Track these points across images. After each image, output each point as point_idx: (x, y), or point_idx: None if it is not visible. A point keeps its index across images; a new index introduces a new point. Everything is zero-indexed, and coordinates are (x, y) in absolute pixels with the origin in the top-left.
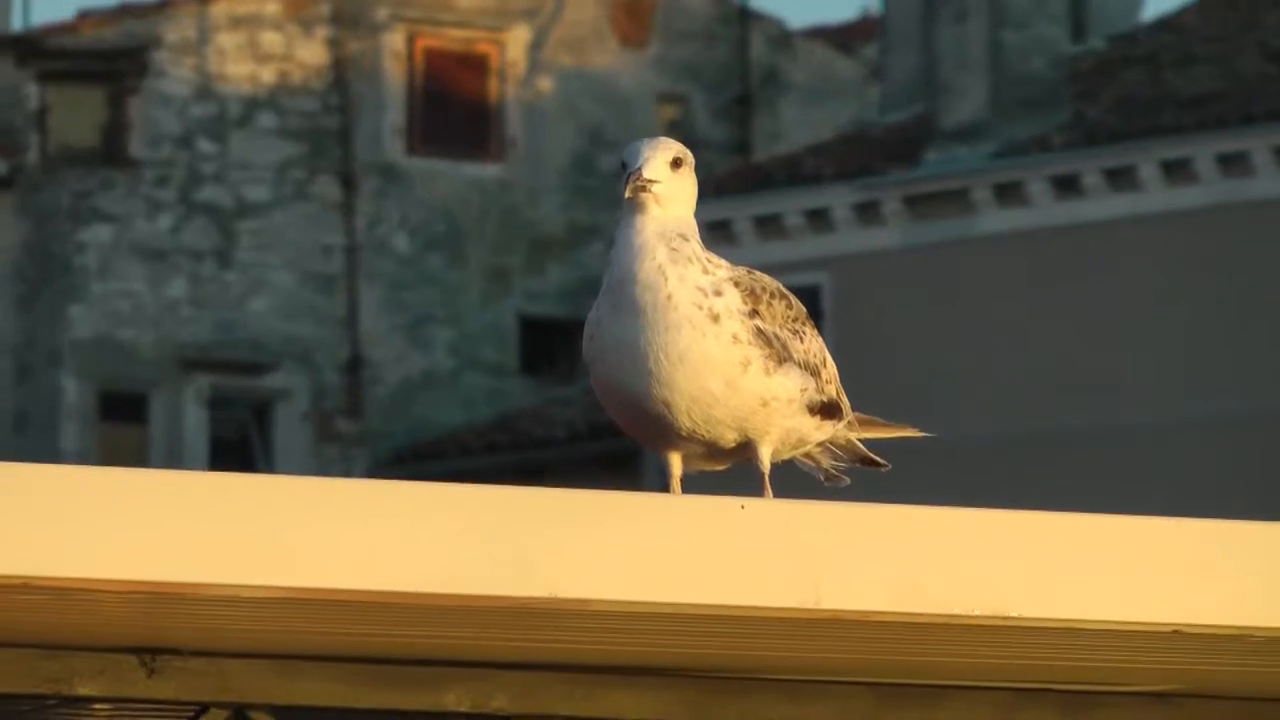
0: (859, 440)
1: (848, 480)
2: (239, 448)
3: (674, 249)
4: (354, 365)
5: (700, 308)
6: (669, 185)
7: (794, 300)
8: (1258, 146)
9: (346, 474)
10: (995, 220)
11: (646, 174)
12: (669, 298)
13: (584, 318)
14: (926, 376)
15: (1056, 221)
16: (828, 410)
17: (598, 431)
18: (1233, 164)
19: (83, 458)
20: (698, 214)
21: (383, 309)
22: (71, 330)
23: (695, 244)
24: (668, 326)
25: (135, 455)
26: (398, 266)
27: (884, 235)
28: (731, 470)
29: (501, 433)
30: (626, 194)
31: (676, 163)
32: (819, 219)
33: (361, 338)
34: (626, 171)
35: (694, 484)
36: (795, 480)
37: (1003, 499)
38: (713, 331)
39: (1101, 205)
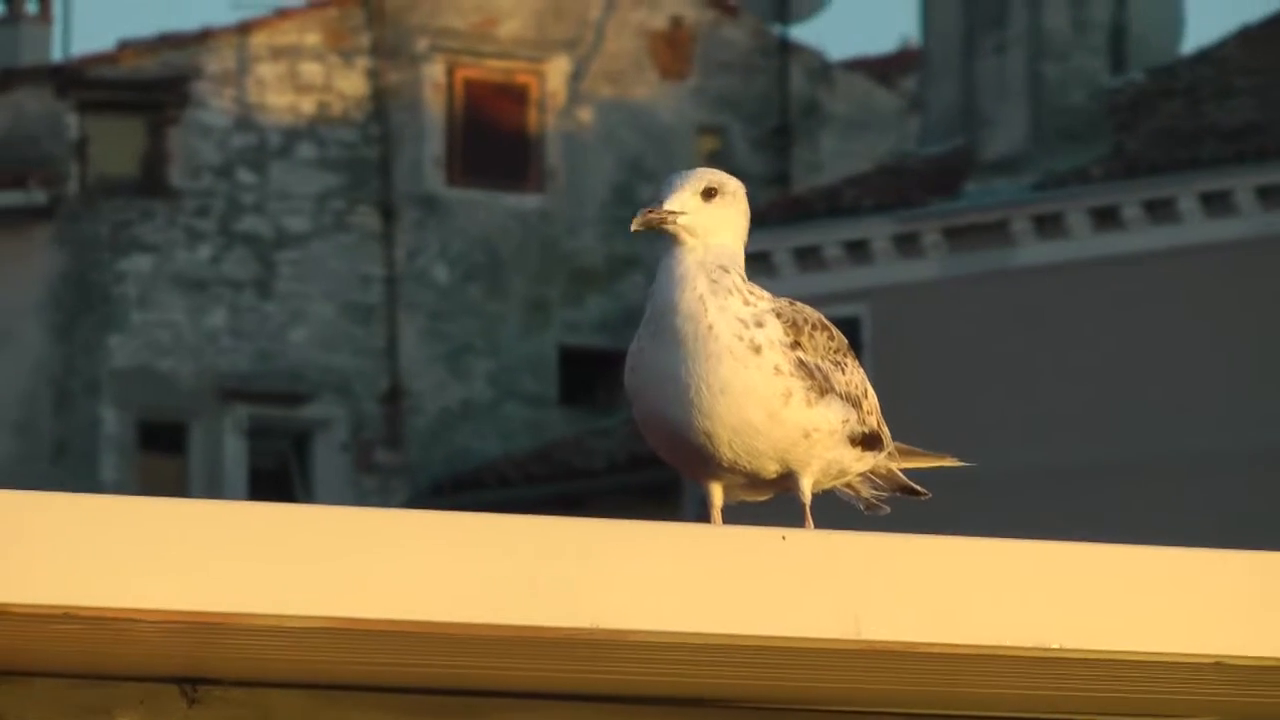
0: (899, 470)
1: (887, 509)
2: (278, 478)
3: (714, 280)
4: (393, 396)
5: (741, 339)
6: (699, 216)
7: (835, 332)
8: None
9: (385, 504)
10: (1034, 252)
11: (668, 205)
12: (710, 328)
13: (624, 348)
14: (965, 407)
15: (1096, 253)
16: (869, 441)
17: (637, 462)
18: (1272, 196)
19: (122, 488)
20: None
21: (422, 339)
22: (111, 360)
23: (736, 275)
24: (709, 357)
25: (174, 486)
26: (437, 297)
27: (923, 267)
28: (772, 501)
29: (540, 464)
30: (634, 226)
31: (709, 193)
32: (858, 250)
33: (401, 368)
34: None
35: (735, 514)
36: (838, 511)
37: (1042, 529)
38: (755, 362)
39: (1141, 237)
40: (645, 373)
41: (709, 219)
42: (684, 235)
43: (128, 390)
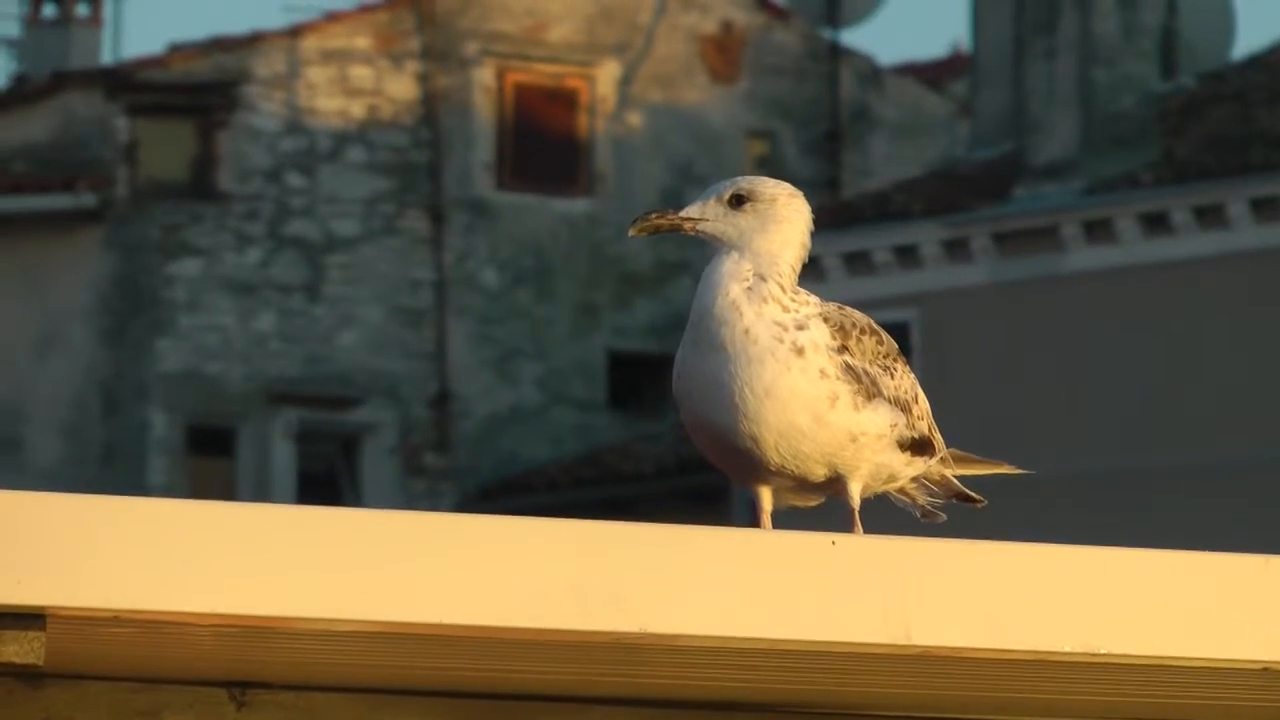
0: (954, 476)
1: (944, 517)
2: (326, 482)
3: (749, 287)
4: (442, 400)
5: (782, 341)
6: (719, 224)
7: (885, 336)
8: None
9: (433, 508)
10: (1084, 258)
11: (685, 212)
12: (746, 332)
13: (672, 353)
14: (1013, 412)
15: (1145, 259)
16: (919, 446)
17: (686, 467)
18: None
19: (170, 491)
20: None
21: (471, 344)
22: (160, 364)
23: (774, 283)
24: (750, 360)
25: (223, 489)
26: (486, 301)
27: (973, 272)
28: (822, 506)
29: (589, 468)
30: (630, 231)
31: (737, 200)
32: (908, 255)
33: (449, 372)
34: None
35: (784, 520)
36: (887, 516)
37: (1089, 535)
38: (798, 365)
39: (1190, 243)
40: (690, 378)
41: (734, 225)
42: (716, 240)
43: (177, 394)
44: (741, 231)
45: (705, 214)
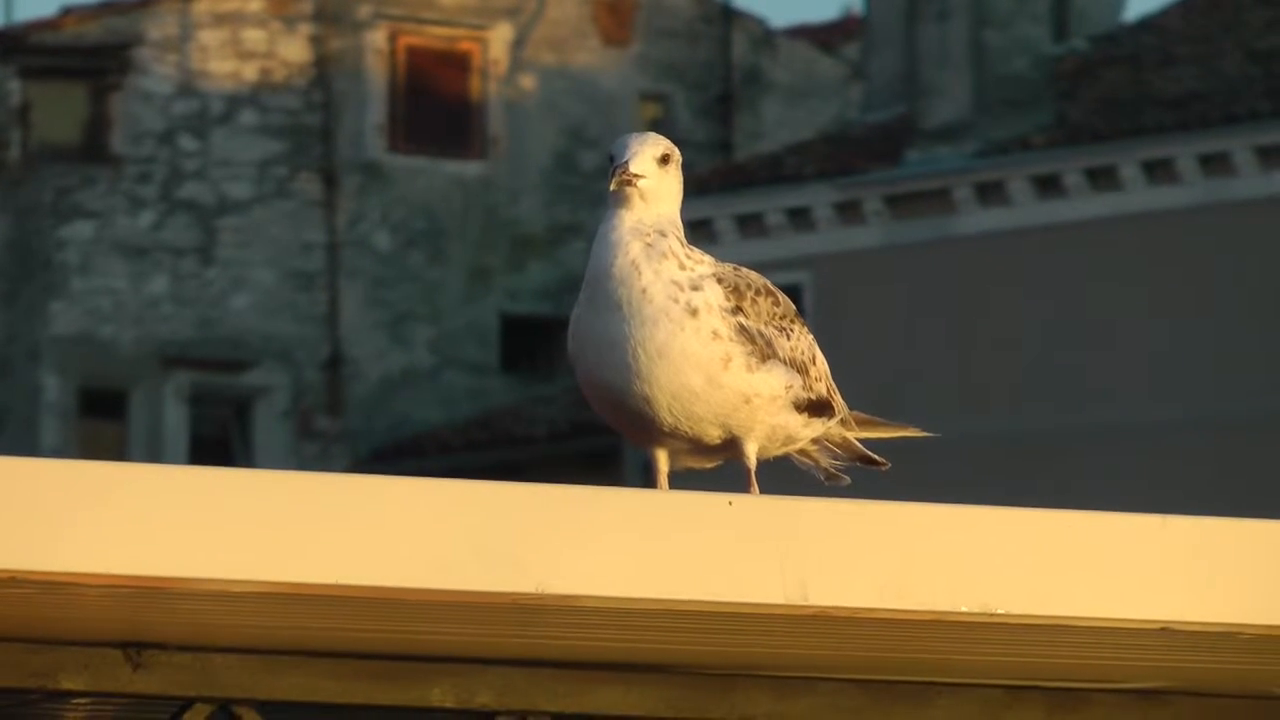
0: (857, 440)
1: (848, 480)
2: (219, 445)
3: (650, 244)
4: (334, 363)
5: (677, 301)
6: (655, 181)
7: (781, 297)
8: (1239, 146)
9: (326, 471)
10: (977, 220)
11: (633, 168)
12: (643, 291)
13: (565, 316)
14: (906, 375)
15: (1038, 221)
16: (816, 408)
17: (578, 430)
18: (1214, 164)
19: (62, 454)
20: (681, 212)
21: (363, 306)
22: (52, 327)
23: (674, 240)
24: (644, 321)
25: (115, 452)
26: (379, 264)
27: (865, 234)
28: (720, 468)
29: (482, 431)
30: (611, 186)
31: (664, 159)
32: (800, 218)
33: (342, 335)
34: (614, 165)
35: (681, 481)
36: (789, 477)
37: (981, 496)
38: (691, 326)
39: (1083, 205)
40: (584, 338)
41: (661, 185)
42: (636, 200)
43: (69, 357)
44: (663, 191)
45: (645, 170)
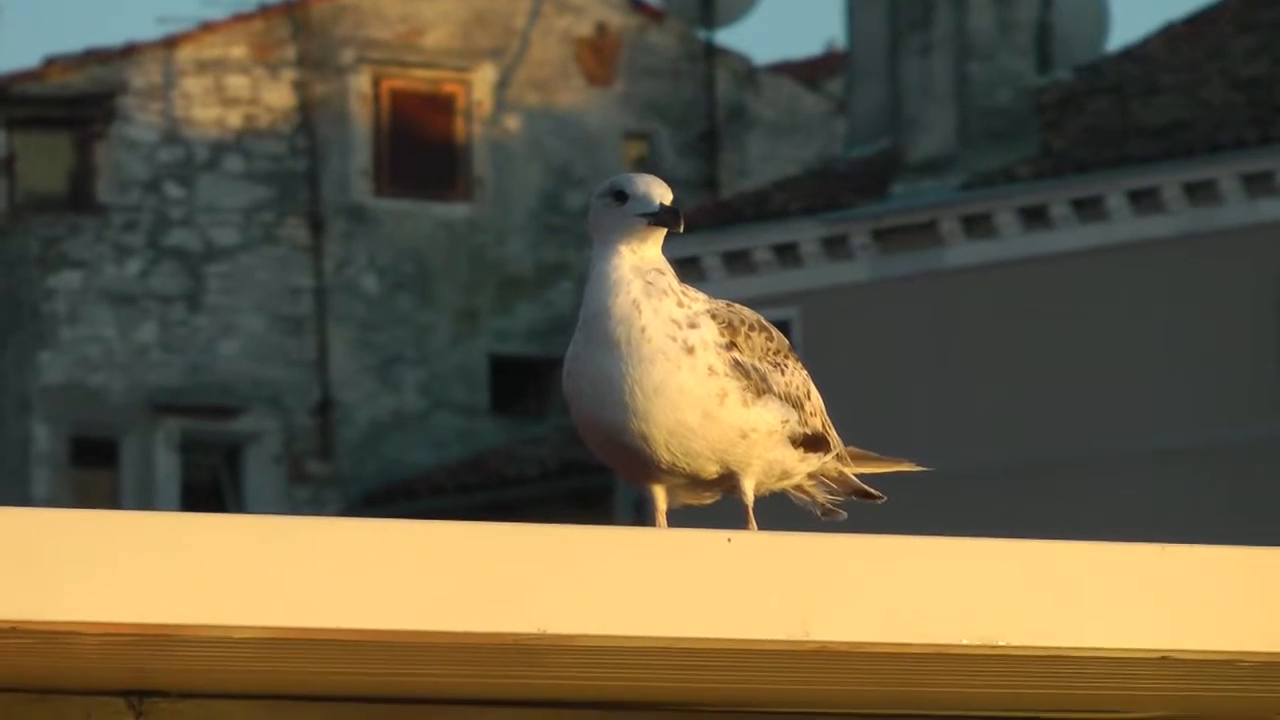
0: (852, 474)
1: (844, 514)
2: (210, 491)
3: (649, 282)
4: (324, 407)
5: (674, 340)
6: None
7: (775, 333)
8: (1225, 175)
9: (318, 516)
10: (963, 252)
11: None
12: (643, 330)
13: (554, 356)
14: (896, 409)
15: (1025, 253)
16: (812, 443)
17: (569, 470)
18: (1200, 193)
19: (54, 504)
20: (667, 250)
21: (352, 350)
22: (41, 376)
23: (672, 277)
24: (642, 359)
25: (107, 501)
26: (367, 308)
27: (853, 269)
28: (718, 504)
29: (473, 472)
30: (680, 229)
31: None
32: (787, 254)
33: (331, 379)
34: (631, 201)
35: (679, 518)
36: (786, 513)
37: (974, 529)
38: (688, 364)
39: (1069, 236)
40: (581, 377)
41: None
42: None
43: (59, 406)
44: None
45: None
